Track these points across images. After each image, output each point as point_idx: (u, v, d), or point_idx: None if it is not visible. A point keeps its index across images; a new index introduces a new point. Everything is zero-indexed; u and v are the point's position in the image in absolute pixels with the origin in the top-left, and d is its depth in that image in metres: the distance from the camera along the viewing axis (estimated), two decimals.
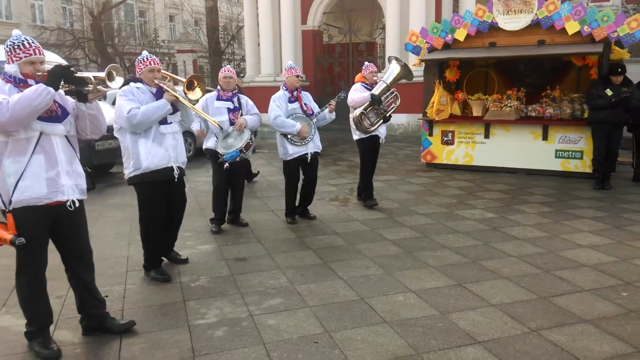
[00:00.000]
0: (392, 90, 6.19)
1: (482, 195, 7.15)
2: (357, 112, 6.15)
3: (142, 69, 4.06)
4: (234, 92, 5.42)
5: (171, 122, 4.12)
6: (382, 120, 6.23)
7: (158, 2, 31.76)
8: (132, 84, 4.07)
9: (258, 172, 8.76)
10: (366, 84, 6.37)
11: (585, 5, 10.15)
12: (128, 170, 4.10)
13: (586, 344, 3.14)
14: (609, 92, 7.20)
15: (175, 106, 4.09)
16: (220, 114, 5.26)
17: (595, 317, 3.50)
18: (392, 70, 6.18)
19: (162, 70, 4.16)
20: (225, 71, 5.42)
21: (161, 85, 4.01)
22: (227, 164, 5.10)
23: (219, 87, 5.41)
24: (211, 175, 5.70)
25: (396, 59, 6.26)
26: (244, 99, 5.58)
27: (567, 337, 3.22)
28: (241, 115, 5.36)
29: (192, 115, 4.34)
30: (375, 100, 6.07)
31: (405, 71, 6.18)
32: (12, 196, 2.89)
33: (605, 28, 7.70)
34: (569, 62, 8.63)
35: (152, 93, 4.06)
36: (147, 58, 4.07)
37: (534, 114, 8.51)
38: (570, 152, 8.21)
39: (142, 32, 29.77)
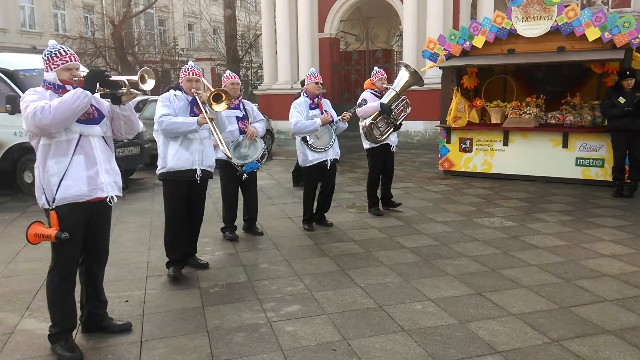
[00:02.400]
0: (402, 97, 6.16)
1: (501, 204, 7.08)
2: (367, 121, 6.14)
3: (182, 78, 4.35)
4: (239, 99, 5.45)
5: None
6: (392, 129, 6.20)
7: (177, 11, 32.22)
8: (171, 91, 4.40)
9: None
10: (375, 91, 6.34)
11: (606, 11, 10.04)
12: (159, 167, 4.40)
13: (609, 355, 3.09)
14: (621, 99, 7.12)
15: None
16: (229, 122, 5.23)
17: (617, 327, 3.44)
18: (402, 77, 6.14)
19: (203, 79, 4.40)
20: (230, 77, 5.34)
21: (195, 95, 4.25)
22: (245, 175, 5.18)
23: None
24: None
25: (405, 65, 6.22)
26: (249, 105, 5.62)
27: (589, 348, 3.17)
28: (249, 122, 5.42)
29: (226, 123, 4.62)
30: (384, 110, 6.05)
31: (415, 78, 6.13)
32: (55, 194, 3.06)
33: (627, 34, 7.61)
34: (590, 68, 8.53)
35: (188, 101, 4.34)
36: (188, 68, 4.37)
37: (553, 121, 8.42)
38: (591, 160, 8.11)
39: (162, 40, 30.20)
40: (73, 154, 3.09)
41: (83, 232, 3.21)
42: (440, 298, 3.95)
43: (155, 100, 4.50)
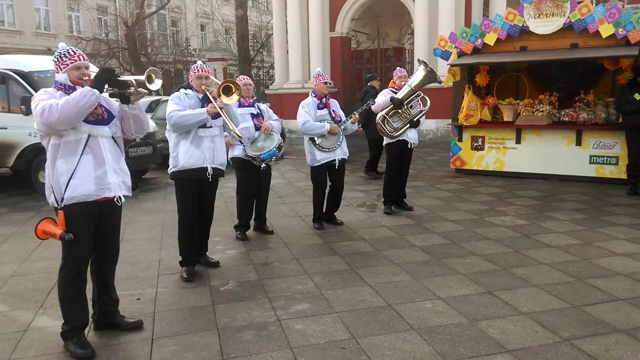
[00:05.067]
0: (417, 93, 6.15)
1: (513, 202, 7.03)
2: (379, 116, 6.17)
3: (192, 76, 4.38)
4: (253, 98, 5.52)
5: (211, 127, 4.38)
6: (408, 125, 6.19)
7: (190, 12, 32.42)
8: (182, 90, 4.42)
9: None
10: (395, 89, 6.37)
11: (620, 7, 9.90)
12: (170, 166, 4.43)
13: (620, 355, 3.05)
14: (637, 96, 7.02)
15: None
16: (244, 120, 5.32)
17: (630, 327, 3.40)
18: (417, 74, 6.15)
19: (212, 78, 4.42)
20: (244, 78, 5.47)
21: (206, 92, 4.27)
22: (264, 165, 5.22)
23: None
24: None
25: (424, 63, 6.20)
26: (263, 106, 5.67)
27: (600, 347, 3.14)
28: (264, 120, 5.46)
29: (238, 119, 4.62)
30: (395, 104, 6.07)
31: (431, 77, 6.11)
32: (64, 194, 3.10)
33: None
34: (603, 65, 8.43)
35: (199, 98, 4.36)
36: (197, 67, 4.40)
37: (567, 119, 8.33)
38: (605, 158, 8.01)
39: (174, 41, 30.43)
40: (81, 154, 3.12)
41: (92, 232, 3.24)
42: (450, 297, 3.94)
43: (167, 101, 4.52)
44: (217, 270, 4.63)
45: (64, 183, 3.09)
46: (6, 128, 8.07)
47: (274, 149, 5.17)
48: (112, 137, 3.29)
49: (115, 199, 3.27)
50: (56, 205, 3.13)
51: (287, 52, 17.56)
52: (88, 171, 3.13)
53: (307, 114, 5.60)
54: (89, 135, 3.14)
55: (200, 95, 4.35)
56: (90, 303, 3.43)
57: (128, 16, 24.00)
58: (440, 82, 6.48)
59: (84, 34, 24.58)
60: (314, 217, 6.01)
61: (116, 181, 3.26)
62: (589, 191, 7.53)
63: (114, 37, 25.30)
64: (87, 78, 3.16)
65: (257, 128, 5.38)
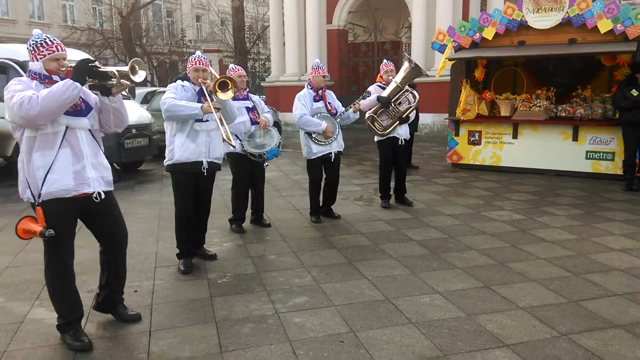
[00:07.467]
0: (405, 89, 6.10)
1: (510, 197, 7.04)
2: (367, 115, 6.13)
3: (189, 68, 4.32)
4: (246, 90, 5.45)
5: (207, 120, 4.31)
6: (397, 122, 6.16)
7: (185, 3, 32.19)
8: (179, 81, 4.35)
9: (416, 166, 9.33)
10: (382, 84, 6.31)
11: (619, 2, 9.90)
12: (166, 159, 4.39)
13: (618, 349, 3.07)
14: (634, 92, 7.03)
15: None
16: (240, 114, 5.21)
17: (627, 322, 3.42)
18: (402, 70, 6.12)
19: (210, 69, 4.35)
20: (236, 70, 5.33)
21: (202, 86, 4.20)
22: (267, 163, 5.22)
23: None
24: None
25: (409, 59, 6.16)
26: (255, 97, 5.61)
27: (598, 342, 3.15)
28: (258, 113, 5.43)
29: (235, 113, 4.57)
30: (382, 102, 6.02)
31: (415, 72, 6.06)
32: (41, 189, 2.98)
33: (639, 26, 7.51)
34: (601, 61, 8.43)
35: (195, 91, 4.30)
36: (195, 58, 4.32)
37: (564, 114, 8.35)
38: (601, 154, 8.03)
39: (170, 32, 30.22)
40: (59, 147, 2.98)
41: (74, 226, 3.14)
42: (448, 291, 3.94)
43: (164, 92, 4.48)
44: (214, 262, 4.62)
45: (41, 178, 2.96)
46: (4, 117, 7.97)
47: (276, 147, 5.18)
48: (90, 131, 3.15)
49: (93, 196, 3.12)
50: (32, 201, 3.02)
51: (284, 45, 17.48)
52: (66, 165, 3.00)
53: (303, 106, 5.56)
54: (67, 128, 3.00)
55: (197, 88, 4.28)
56: (96, 288, 3.42)
57: (123, 6, 23.72)
58: (427, 76, 6.43)
59: (78, 24, 24.34)
60: (310, 210, 6.00)
61: (95, 176, 3.12)
62: (585, 187, 7.55)
63: (108, 27, 25.10)
64: (65, 69, 3.03)
65: (253, 122, 5.34)
